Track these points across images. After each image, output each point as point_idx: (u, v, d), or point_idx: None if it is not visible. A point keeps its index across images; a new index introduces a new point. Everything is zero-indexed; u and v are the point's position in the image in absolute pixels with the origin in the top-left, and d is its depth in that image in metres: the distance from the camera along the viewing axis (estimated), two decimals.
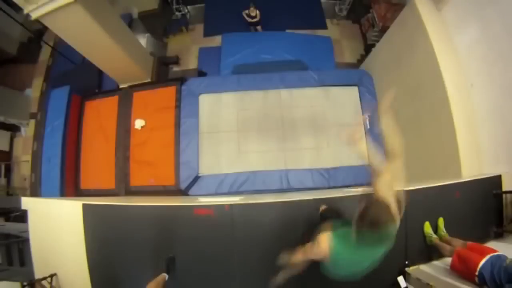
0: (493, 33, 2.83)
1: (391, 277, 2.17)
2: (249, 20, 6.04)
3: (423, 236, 2.28)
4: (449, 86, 3.14)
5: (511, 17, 2.63)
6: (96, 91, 5.66)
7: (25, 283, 2.31)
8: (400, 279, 2.15)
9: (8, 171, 6.25)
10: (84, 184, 4.90)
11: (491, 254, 1.81)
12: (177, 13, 6.91)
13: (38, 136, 5.84)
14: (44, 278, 2.32)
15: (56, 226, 2.46)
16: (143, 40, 6.29)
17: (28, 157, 6.11)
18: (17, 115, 6.32)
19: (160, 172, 4.54)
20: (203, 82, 4.90)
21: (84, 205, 2.37)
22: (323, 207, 2.19)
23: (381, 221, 1.17)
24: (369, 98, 4.73)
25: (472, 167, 2.97)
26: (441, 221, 2.32)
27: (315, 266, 1.49)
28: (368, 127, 4.58)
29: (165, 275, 2.06)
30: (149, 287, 1.84)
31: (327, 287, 1.81)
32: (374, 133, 4.52)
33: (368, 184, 1.39)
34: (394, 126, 1.47)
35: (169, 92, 4.89)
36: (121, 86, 5.42)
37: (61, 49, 5.92)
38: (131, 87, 5.16)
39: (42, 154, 5.00)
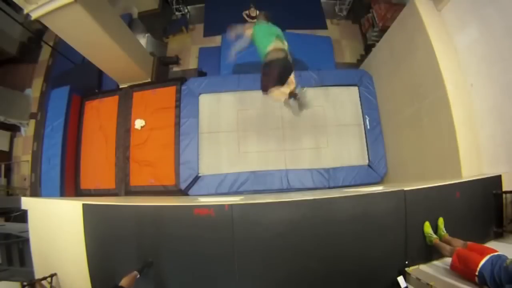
0: (493, 33, 2.83)
1: (391, 277, 2.17)
2: (249, 20, 6.03)
3: (423, 236, 2.28)
4: (449, 86, 3.14)
5: (511, 17, 2.63)
6: (96, 91, 5.66)
7: (25, 283, 2.31)
8: (400, 279, 2.15)
9: (8, 171, 6.25)
10: (84, 184, 4.89)
11: (491, 254, 1.80)
12: (177, 13, 6.92)
13: (38, 136, 5.86)
14: (44, 278, 2.33)
15: (56, 226, 2.47)
16: (143, 40, 6.29)
17: (28, 157, 6.12)
18: (17, 115, 6.31)
19: (160, 172, 4.54)
20: (203, 82, 4.90)
21: (84, 205, 2.37)
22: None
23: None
24: (369, 98, 4.73)
25: (472, 167, 2.97)
26: (441, 221, 2.32)
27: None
28: (369, 127, 4.60)
29: (136, 273, 2.12)
30: (123, 282, 1.97)
31: None
32: (374, 134, 4.57)
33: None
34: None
35: (169, 92, 4.89)
36: (121, 86, 5.42)
37: (61, 49, 5.93)
38: (131, 87, 5.15)
39: (42, 154, 4.98)
